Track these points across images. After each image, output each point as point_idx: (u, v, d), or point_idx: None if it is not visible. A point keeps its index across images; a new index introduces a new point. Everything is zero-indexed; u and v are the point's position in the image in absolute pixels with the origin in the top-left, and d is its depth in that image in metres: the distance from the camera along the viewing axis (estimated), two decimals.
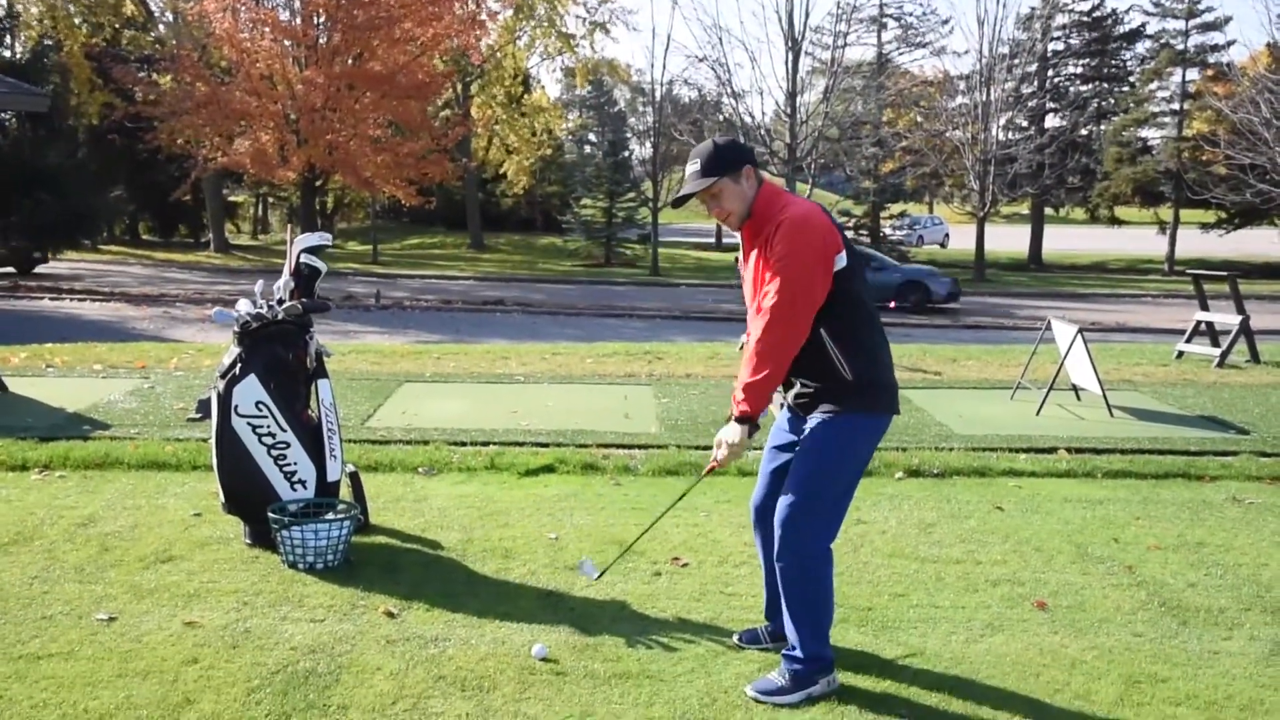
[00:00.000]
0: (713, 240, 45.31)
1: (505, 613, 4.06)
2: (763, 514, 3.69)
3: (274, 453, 4.73)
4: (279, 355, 4.82)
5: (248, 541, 4.81)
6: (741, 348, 3.73)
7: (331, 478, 4.87)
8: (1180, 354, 11.70)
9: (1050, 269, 38.45)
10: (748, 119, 28.09)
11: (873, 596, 4.34)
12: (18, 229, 26.21)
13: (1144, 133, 40.81)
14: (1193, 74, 39.29)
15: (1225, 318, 11.61)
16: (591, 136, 41.46)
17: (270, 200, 50.05)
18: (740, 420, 3.37)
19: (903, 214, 39.99)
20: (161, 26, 37.29)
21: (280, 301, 4.94)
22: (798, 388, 3.50)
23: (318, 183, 30.89)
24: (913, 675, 3.64)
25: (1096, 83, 41.12)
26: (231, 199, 45.71)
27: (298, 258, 5.07)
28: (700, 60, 32.14)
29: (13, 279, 25.04)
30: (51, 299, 21.78)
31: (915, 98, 38.19)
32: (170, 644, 3.75)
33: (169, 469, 6.11)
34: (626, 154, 39.41)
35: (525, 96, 42.20)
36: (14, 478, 5.92)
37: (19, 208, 25.95)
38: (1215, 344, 11.73)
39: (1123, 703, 3.47)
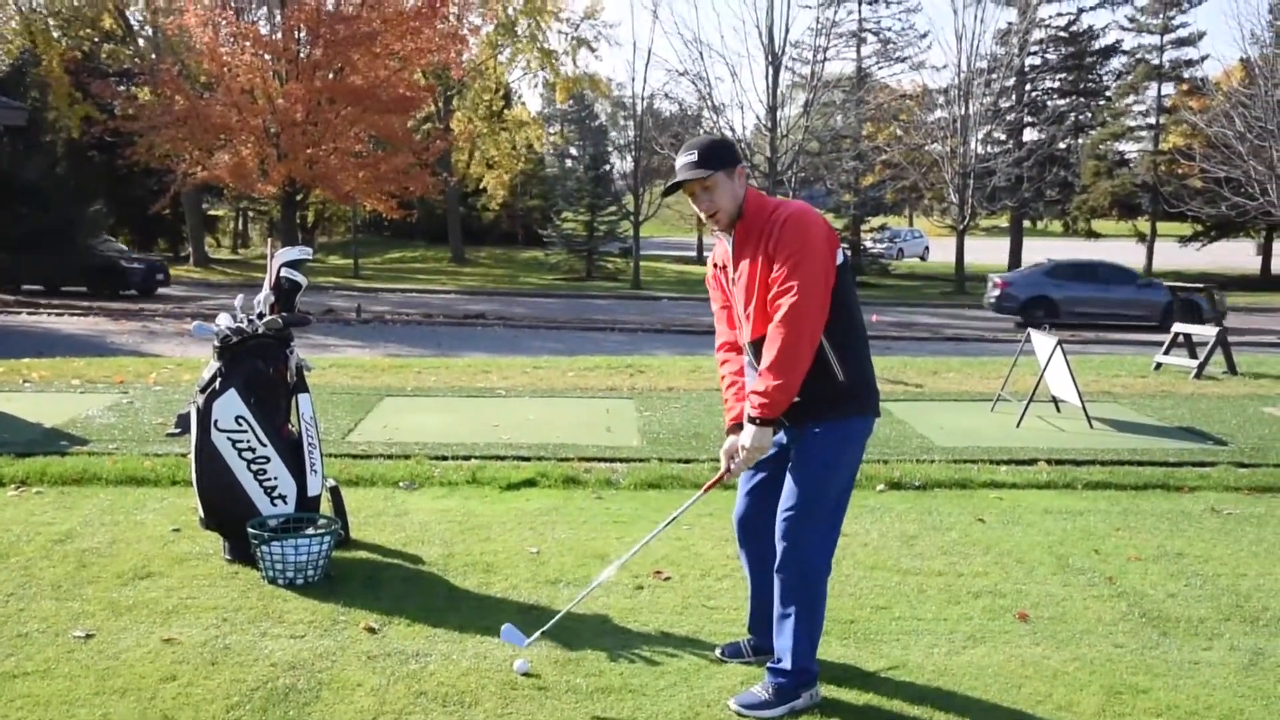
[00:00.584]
0: (694, 254, 45.40)
1: (487, 627, 4.03)
2: (747, 527, 3.68)
3: (254, 467, 4.70)
4: (259, 369, 4.80)
5: (227, 557, 4.78)
6: (724, 362, 3.70)
7: (312, 492, 4.84)
8: (1158, 366, 11.80)
9: None
10: (729, 132, 28.20)
11: (855, 609, 4.34)
12: None
13: (1121, 146, 41.36)
14: (1168, 88, 39.91)
15: (1203, 329, 11.72)
16: (573, 150, 41.49)
17: (250, 214, 49.87)
18: (762, 422, 3.33)
19: (883, 227, 40.23)
20: (141, 40, 37.19)
21: (260, 315, 4.92)
22: None
23: (298, 197, 30.77)
24: (895, 688, 3.64)
25: (1073, 97, 41.56)
26: (211, 213, 45.55)
27: (278, 271, 5.04)
28: (681, 74, 32.16)
29: None
30: (29, 313, 21.59)
31: (895, 112, 38.41)
32: (148, 661, 3.71)
33: (147, 484, 6.06)
34: (608, 167, 39.42)
35: (506, 111, 42.25)
36: None
37: None
38: (1193, 356, 11.85)
39: (1104, 714, 3.48)
